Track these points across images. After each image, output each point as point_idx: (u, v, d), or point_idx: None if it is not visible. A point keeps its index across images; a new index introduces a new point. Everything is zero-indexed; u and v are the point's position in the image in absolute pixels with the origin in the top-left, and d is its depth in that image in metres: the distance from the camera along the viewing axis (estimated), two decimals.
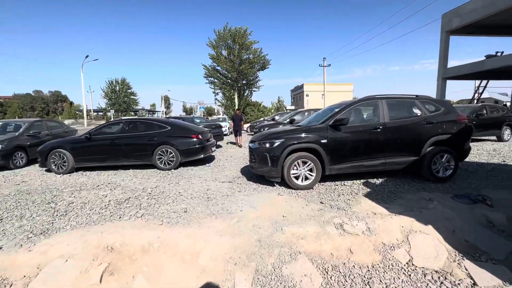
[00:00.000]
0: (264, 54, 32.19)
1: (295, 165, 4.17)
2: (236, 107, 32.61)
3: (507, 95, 46.97)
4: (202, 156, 6.52)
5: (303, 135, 4.18)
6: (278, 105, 40.75)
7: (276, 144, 4.16)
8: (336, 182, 4.64)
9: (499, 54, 16.74)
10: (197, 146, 6.39)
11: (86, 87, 46.97)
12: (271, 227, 3.07)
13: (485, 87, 20.60)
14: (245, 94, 34.95)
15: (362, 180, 4.65)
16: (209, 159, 7.70)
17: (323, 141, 4.12)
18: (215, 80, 32.48)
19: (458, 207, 3.54)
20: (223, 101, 35.18)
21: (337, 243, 2.84)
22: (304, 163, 4.18)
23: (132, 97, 50.06)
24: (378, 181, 4.62)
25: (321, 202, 3.74)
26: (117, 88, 47.66)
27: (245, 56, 31.57)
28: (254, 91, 35.65)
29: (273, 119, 15.91)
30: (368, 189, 4.22)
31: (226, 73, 31.80)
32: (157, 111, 64.57)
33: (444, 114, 4.44)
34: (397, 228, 3.06)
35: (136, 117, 38.31)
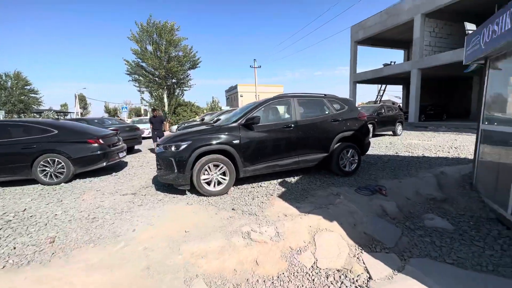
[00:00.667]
0: (194, 52, 30.88)
1: (206, 170, 3.74)
2: (166, 108, 30.42)
3: (400, 98, 58.68)
4: (104, 164, 5.44)
5: (213, 136, 3.79)
6: (212, 105, 39.84)
7: (182, 147, 3.64)
8: (253, 184, 4.44)
9: (393, 63, 20.14)
10: (97, 152, 5.30)
11: None
12: (167, 247, 2.55)
13: (384, 90, 24.57)
14: (176, 93, 32.90)
15: (279, 180, 4.58)
16: (119, 166, 6.59)
17: (235, 141, 3.82)
18: (140, 78, 29.46)
19: (360, 199, 3.74)
20: (151, 101, 32.28)
21: (242, 256, 2.53)
22: (216, 166, 3.80)
23: (33, 95, 41.14)
24: (293, 179, 4.62)
25: (232, 209, 3.42)
26: (9, 83, 38.36)
27: (173, 53, 29.65)
28: (185, 90, 33.96)
29: (202, 120, 15.25)
30: (283, 189, 4.14)
31: (153, 70, 29.21)
32: (70, 112, 54.95)
33: (348, 112, 4.74)
34: (305, 229, 2.97)
35: (7, 119, 31.46)
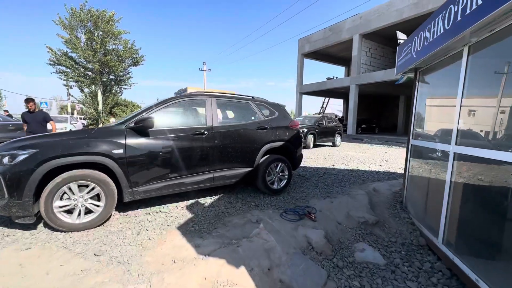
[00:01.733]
0: (136, 48, 28.03)
1: (64, 193, 2.50)
2: (100, 106, 26.72)
3: (341, 111, 64.37)
4: None
5: (81, 141, 2.58)
6: None
7: (21, 158, 2.34)
8: (151, 207, 3.31)
9: (335, 77, 21.29)
10: None
11: None
12: None
13: (327, 103, 25.89)
14: (113, 91, 29.29)
15: (189, 202, 3.55)
16: None
17: (117, 151, 2.67)
18: (68, 70, 25.29)
19: (284, 228, 2.97)
20: (83, 98, 28.02)
21: None
22: (85, 187, 2.59)
23: None
24: (210, 200, 3.66)
25: (95, 254, 2.25)
26: None
27: (111, 46, 26.40)
28: (125, 88, 30.50)
29: None
30: (190, 215, 3.13)
31: (85, 63, 25.41)
32: None
33: (279, 119, 4.04)
34: (195, 286, 2.01)
35: None
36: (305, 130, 10.30)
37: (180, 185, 3.11)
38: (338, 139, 12.24)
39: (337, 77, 22.10)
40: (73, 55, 25.07)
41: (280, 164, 3.91)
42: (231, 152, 3.45)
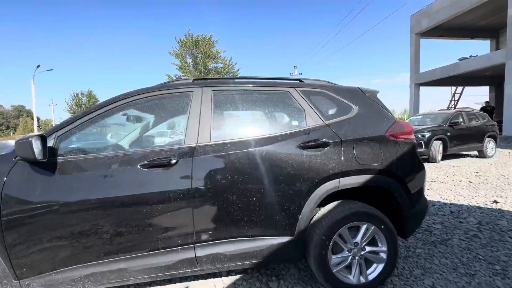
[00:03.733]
0: (233, 63, 30.06)
1: None
2: None
3: (482, 105, 46.49)
4: None
5: None
6: None
7: None
8: None
9: (473, 56, 14.91)
10: None
11: (47, 100, 43.40)
12: None
13: (460, 94, 18.82)
14: None
15: None
16: None
17: None
18: None
19: None
20: None
21: None
22: None
23: None
24: None
25: None
26: (83, 100, 44.22)
27: (211, 65, 29.35)
28: None
29: None
30: None
31: None
32: None
33: (359, 121, 1.76)
34: None
35: None
36: (427, 135, 6.77)
37: (120, 275, 1.47)
38: (490, 145, 7.67)
39: (476, 56, 15.48)
40: (184, 77, 29.42)
41: (365, 227, 1.63)
42: (236, 203, 1.53)
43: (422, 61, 17.20)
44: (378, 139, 1.72)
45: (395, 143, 1.75)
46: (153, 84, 1.80)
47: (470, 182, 4.68)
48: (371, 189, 1.77)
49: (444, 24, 15.39)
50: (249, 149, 1.57)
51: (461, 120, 7.41)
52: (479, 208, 3.33)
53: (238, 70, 30.12)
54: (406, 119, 9.17)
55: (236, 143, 1.59)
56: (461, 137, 7.25)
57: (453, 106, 19.51)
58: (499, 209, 3.27)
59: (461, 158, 7.60)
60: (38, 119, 54.47)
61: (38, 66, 28.53)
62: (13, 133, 44.98)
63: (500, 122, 11.41)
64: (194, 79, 1.83)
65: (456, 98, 18.82)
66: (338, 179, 1.61)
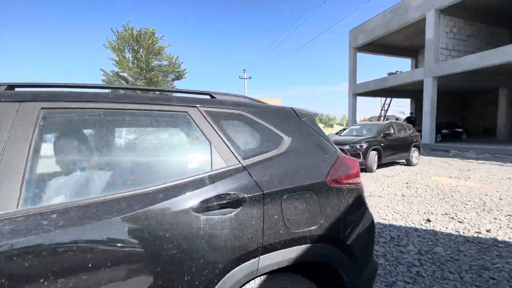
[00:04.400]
0: (180, 62, 28.22)
1: None
2: None
3: (403, 113, 54.71)
4: None
5: None
6: None
7: None
8: None
9: (398, 72, 16.83)
10: None
11: None
12: None
13: (389, 104, 21.16)
14: None
15: None
16: None
17: None
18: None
19: None
20: None
21: None
22: None
23: None
24: None
25: None
26: None
27: (155, 63, 27.04)
28: None
29: None
30: None
31: (133, 80, 26.42)
32: None
33: (292, 155, 1.22)
34: None
35: None
36: (364, 145, 6.98)
37: None
38: (415, 154, 8.42)
39: (401, 72, 17.55)
40: (124, 74, 26.32)
41: None
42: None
43: (365, 74, 18.74)
44: (316, 188, 1.18)
45: (339, 192, 1.24)
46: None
47: (403, 195, 4.78)
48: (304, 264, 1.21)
49: (376, 41, 17.02)
50: (98, 223, 0.85)
51: (392, 131, 7.92)
52: (416, 230, 3.23)
53: (185, 69, 28.45)
54: (345, 127, 9.47)
55: (72, 211, 0.85)
56: (392, 147, 7.73)
57: (384, 114, 21.87)
58: (432, 230, 3.22)
59: (392, 167, 8.13)
60: None
61: None
62: None
63: (420, 131, 12.97)
64: (10, 85, 1.02)
65: (386, 108, 21.08)
66: (257, 258, 1.01)
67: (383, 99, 21.67)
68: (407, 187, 5.45)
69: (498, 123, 15.85)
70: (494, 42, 14.08)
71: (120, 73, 25.80)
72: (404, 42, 18.08)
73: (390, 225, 3.38)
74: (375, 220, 3.33)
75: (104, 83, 25.53)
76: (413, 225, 3.38)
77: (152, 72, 25.86)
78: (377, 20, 15.96)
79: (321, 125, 44.98)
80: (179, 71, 27.93)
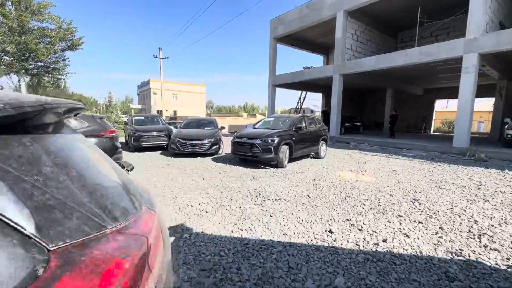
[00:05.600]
0: (73, 28, 22.42)
1: None
2: None
3: (317, 107, 61.10)
4: None
5: None
6: (107, 101, 30.60)
7: None
8: None
9: (312, 67, 17.82)
10: None
11: None
12: None
13: (304, 97, 22.50)
14: (42, 83, 23.48)
15: None
16: None
17: None
18: None
19: None
20: None
21: None
22: None
23: None
24: None
25: None
26: None
27: (35, 23, 20.63)
28: (59, 78, 24.70)
29: None
30: None
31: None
32: None
33: None
34: None
35: None
36: (276, 139, 6.54)
37: None
38: (323, 147, 8.67)
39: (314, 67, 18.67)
40: None
41: None
42: None
43: (289, 67, 18.95)
44: None
45: None
46: None
47: (309, 197, 4.42)
48: None
49: (294, 34, 17.39)
50: None
51: (304, 124, 7.82)
52: (317, 249, 2.70)
53: (81, 38, 22.73)
54: (264, 118, 8.99)
55: None
56: (303, 141, 7.64)
57: (300, 107, 23.19)
58: (334, 247, 2.76)
59: (302, 160, 8.12)
60: None
61: None
62: None
63: (328, 124, 13.99)
64: None
65: (302, 101, 22.35)
66: None
67: (301, 93, 22.93)
68: (313, 185, 5.20)
69: (384, 119, 18.93)
70: (384, 48, 16.37)
71: None
72: (319, 39, 19.21)
73: (291, 245, 2.77)
74: (276, 239, 2.65)
75: None
76: (315, 242, 2.86)
77: (30, 36, 19.60)
78: (295, 14, 16.19)
79: (244, 114, 45.01)
80: (72, 40, 22.21)
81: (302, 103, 22.61)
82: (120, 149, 5.69)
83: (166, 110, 43.02)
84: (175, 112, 44.65)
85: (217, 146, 8.68)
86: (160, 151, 9.82)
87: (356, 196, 4.50)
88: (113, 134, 5.21)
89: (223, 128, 10.29)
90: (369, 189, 4.92)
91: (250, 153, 6.71)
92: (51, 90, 24.59)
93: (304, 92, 22.17)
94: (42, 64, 22.14)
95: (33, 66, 22.20)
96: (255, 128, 8.01)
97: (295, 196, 4.46)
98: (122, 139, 12.24)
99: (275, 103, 19.23)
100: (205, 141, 8.43)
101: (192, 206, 3.91)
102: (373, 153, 9.95)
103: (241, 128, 26.34)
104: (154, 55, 24.48)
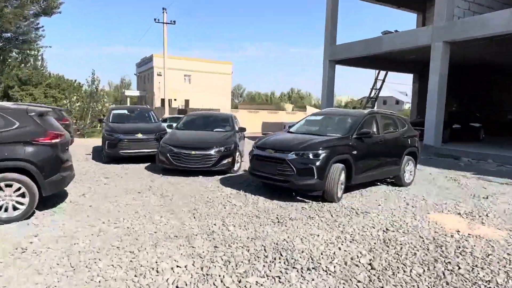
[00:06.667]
0: None
1: None
2: None
3: (406, 95, 56.79)
4: None
5: None
6: (92, 86, 32.26)
7: None
8: None
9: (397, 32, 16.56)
10: None
11: None
12: None
13: (383, 80, 21.10)
14: (9, 60, 25.94)
15: None
16: None
17: None
18: None
19: None
20: None
21: None
22: None
23: None
24: None
25: None
26: None
27: None
28: (31, 54, 27.05)
29: None
30: None
31: None
32: None
33: None
34: None
35: None
36: (322, 154, 5.80)
37: None
38: (409, 167, 7.63)
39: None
40: None
41: None
42: None
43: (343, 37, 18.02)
44: None
45: None
46: None
47: (372, 267, 3.60)
48: None
49: None
50: None
51: (374, 128, 6.92)
52: None
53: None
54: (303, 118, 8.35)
55: None
56: (372, 156, 6.77)
57: (375, 94, 21.82)
58: None
59: (370, 188, 7.20)
60: None
61: None
62: None
63: (417, 125, 12.59)
64: None
65: (378, 87, 21.00)
66: None
67: (378, 72, 21.57)
68: (384, 241, 4.35)
69: None
70: None
71: None
72: None
73: None
74: None
75: None
76: None
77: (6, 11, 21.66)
78: None
79: (288, 106, 44.56)
80: (47, 1, 24.11)
81: (379, 89, 21.24)
82: (69, 162, 5.52)
83: (175, 99, 44.40)
84: (187, 102, 45.81)
85: (229, 159, 8.23)
86: (147, 163, 9.73)
87: (467, 272, 3.55)
88: (57, 140, 5.03)
89: (243, 130, 9.83)
90: (496, 258, 3.91)
91: (277, 176, 6.05)
92: (21, 70, 26.86)
93: (381, 72, 20.80)
94: (9, 35, 24.45)
95: None
96: (291, 132, 7.34)
97: (345, 264, 3.70)
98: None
99: (334, 88, 18.27)
100: (211, 152, 8.03)
101: (157, 273, 3.40)
102: (505, 179, 8.54)
103: (279, 127, 25.68)
104: (155, 19, 25.37)
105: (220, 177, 8.07)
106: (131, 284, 3.19)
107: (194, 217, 5.13)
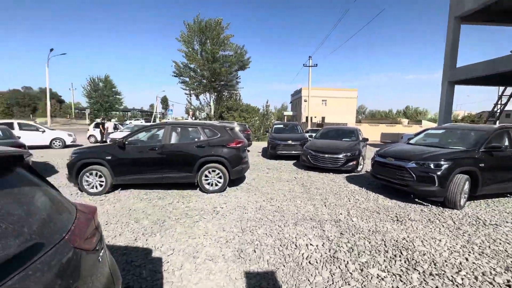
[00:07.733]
0: (244, 51, 27.77)
1: None
2: (212, 112, 28.56)
3: None
4: None
5: None
6: (264, 110, 35.29)
7: None
8: None
9: None
10: None
11: (68, 84, 44.70)
12: None
13: (510, 96, 14.96)
14: (223, 97, 30.69)
15: None
16: None
17: None
18: (187, 79, 28.20)
19: None
20: (197, 105, 30.77)
21: None
22: None
23: (117, 96, 46.97)
24: None
25: None
26: (100, 85, 44.64)
27: (221, 53, 27.25)
28: (233, 92, 31.30)
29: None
30: None
31: (199, 71, 27.49)
32: (151, 112, 61.27)
33: None
34: None
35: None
36: (444, 165, 4.27)
37: None
38: None
39: None
40: (191, 65, 27.59)
41: None
42: None
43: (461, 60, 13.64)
44: None
45: None
46: None
47: None
48: None
49: (494, 4, 11.80)
50: None
51: (506, 142, 4.72)
52: None
53: (249, 58, 27.89)
54: (422, 132, 6.58)
55: None
56: (503, 170, 4.61)
57: (499, 110, 15.70)
58: None
59: (498, 199, 4.96)
60: (61, 102, 56.72)
61: (51, 50, 28.30)
62: (32, 115, 47.00)
63: None
64: None
65: (502, 102, 15.02)
66: None
67: (503, 89, 15.39)
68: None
69: None
70: None
71: (189, 65, 27.21)
72: None
73: None
74: None
75: (176, 73, 27.29)
76: None
77: (217, 63, 26.12)
78: None
79: (404, 121, 37.44)
80: (242, 61, 27.54)
81: (506, 104, 15.14)
82: (246, 159, 5.80)
83: (315, 117, 43.79)
84: (323, 118, 44.59)
85: (354, 162, 7.19)
86: (294, 161, 9.60)
87: None
88: (239, 145, 5.35)
89: (366, 140, 8.50)
90: None
91: (397, 180, 4.83)
92: (229, 102, 31.61)
93: (505, 89, 14.77)
94: (223, 83, 29.03)
95: (217, 85, 29.42)
96: (411, 144, 5.80)
97: (476, 279, 2.47)
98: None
99: (452, 106, 14.05)
100: (340, 156, 7.20)
101: (295, 247, 3.07)
102: None
103: (396, 137, 21.61)
104: (304, 64, 25.45)
105: (346, 175, 7.15)
106: (277, 251, 2.97)
107: (325, 205, 4.58)
